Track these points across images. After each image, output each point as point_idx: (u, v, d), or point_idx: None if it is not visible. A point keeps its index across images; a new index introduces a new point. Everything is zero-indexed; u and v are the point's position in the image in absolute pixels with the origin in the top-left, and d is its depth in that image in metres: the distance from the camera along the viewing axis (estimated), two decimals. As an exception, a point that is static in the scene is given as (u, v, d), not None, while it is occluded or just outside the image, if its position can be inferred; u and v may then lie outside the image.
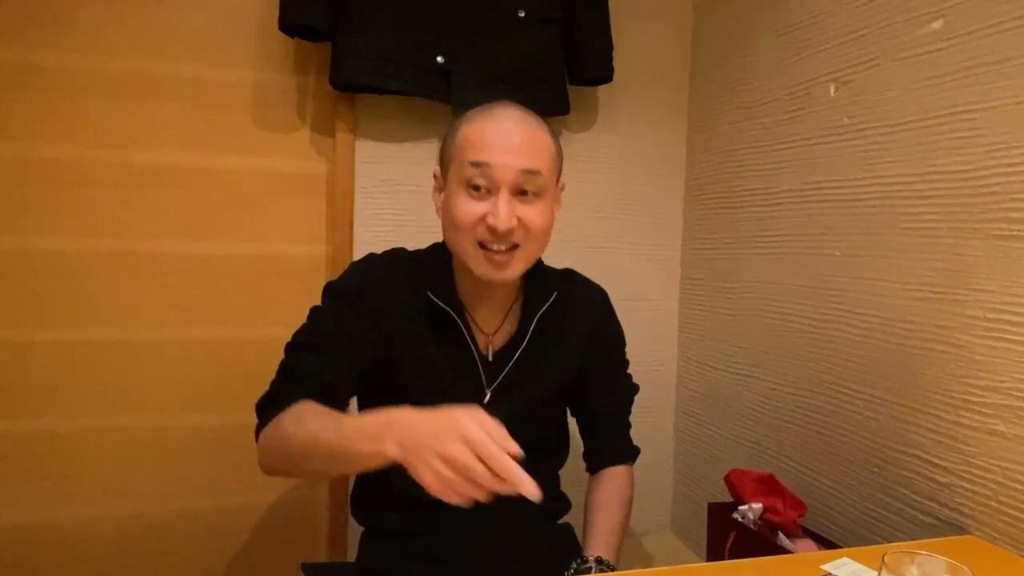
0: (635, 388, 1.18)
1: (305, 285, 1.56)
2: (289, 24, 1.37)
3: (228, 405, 1.52)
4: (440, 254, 1.03)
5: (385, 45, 1.42)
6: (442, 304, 0.99)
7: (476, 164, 0.90)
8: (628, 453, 1.16)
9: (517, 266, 0.95)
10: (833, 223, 1.26)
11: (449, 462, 0.65)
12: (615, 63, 1.61)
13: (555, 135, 0.98)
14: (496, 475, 0.64)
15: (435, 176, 1.02)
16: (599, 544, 1.03)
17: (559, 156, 0.99)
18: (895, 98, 1.13)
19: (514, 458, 0.65)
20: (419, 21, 1.45)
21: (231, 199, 1.50)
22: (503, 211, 0.89)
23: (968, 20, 1.00)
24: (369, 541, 1.11)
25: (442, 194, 0.99)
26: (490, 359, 1.03)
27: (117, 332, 1.45)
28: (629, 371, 1.19)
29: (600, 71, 1.59)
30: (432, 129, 1.58)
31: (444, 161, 0.98)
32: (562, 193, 1.04)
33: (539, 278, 1.06)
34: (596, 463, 1.15)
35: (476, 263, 0.94)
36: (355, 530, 1.55)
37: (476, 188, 0.91)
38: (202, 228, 1.49)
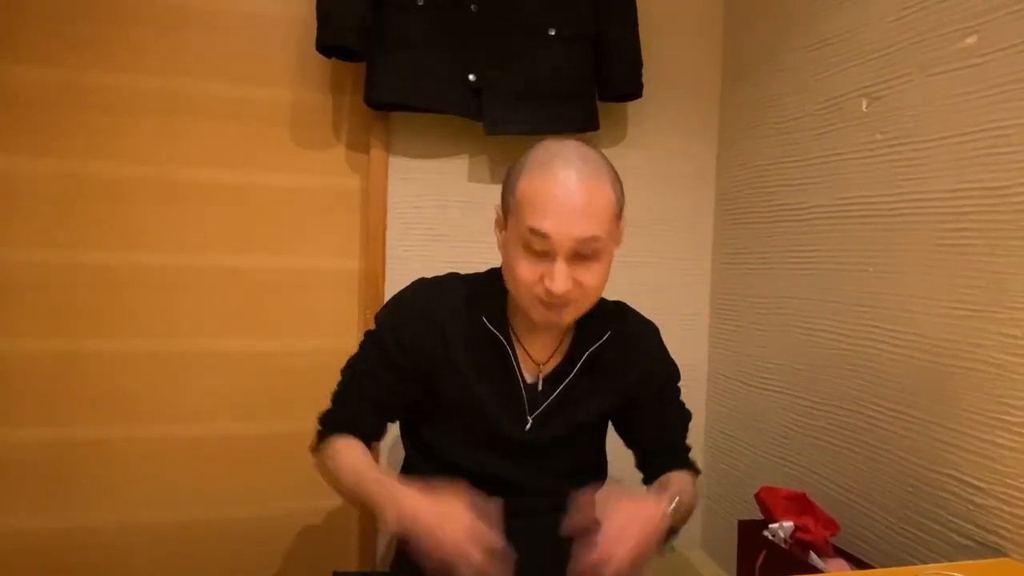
0: (688, 416, 1.17)
1: (339, 298, 1.59)
2: (326, 45, 1.41)
3: (263, 415, 1.55)
4: (496, 281, 1.03)
5: (418, 64, 1.46)
6: (494, 330, 1.01)
7: (534, 231, 0.88)
8: (689, 466, 1.13)
9: (571, 315, 0.96)
10: (866, 239, 1.25)
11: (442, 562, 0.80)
12: (645, 79, 1.61)
13: (614, 180, 0.94)
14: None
15: (496, 211, 1.01)
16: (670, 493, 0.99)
17: (619, 202, 0.95)
18: (929, 114, 1.12)
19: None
20: (451, 40, 1.48)
21: (269, 214, 1.55)
22: (559, 276, 0.89)
23: (1003, 36, 0.99)
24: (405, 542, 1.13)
25: (503, 233, 0.98)
26: (538, 388, 1.04)
27: (158, 343, 1.50)
28: (681, 398, 1.17)
29: (630, 87, 1.60)
30: (464, 146, 1.60)
31: (505, 205, 0.97)
32: (623, 228, 1.01)
33: (593, 313, 1.05)
34: (655, 477, 1.13)
35: (533, 311, 0.95)
36: (385, 540, 1.58)
37: (535, 250, 0.91)
38: (241, 242, 1.53)
